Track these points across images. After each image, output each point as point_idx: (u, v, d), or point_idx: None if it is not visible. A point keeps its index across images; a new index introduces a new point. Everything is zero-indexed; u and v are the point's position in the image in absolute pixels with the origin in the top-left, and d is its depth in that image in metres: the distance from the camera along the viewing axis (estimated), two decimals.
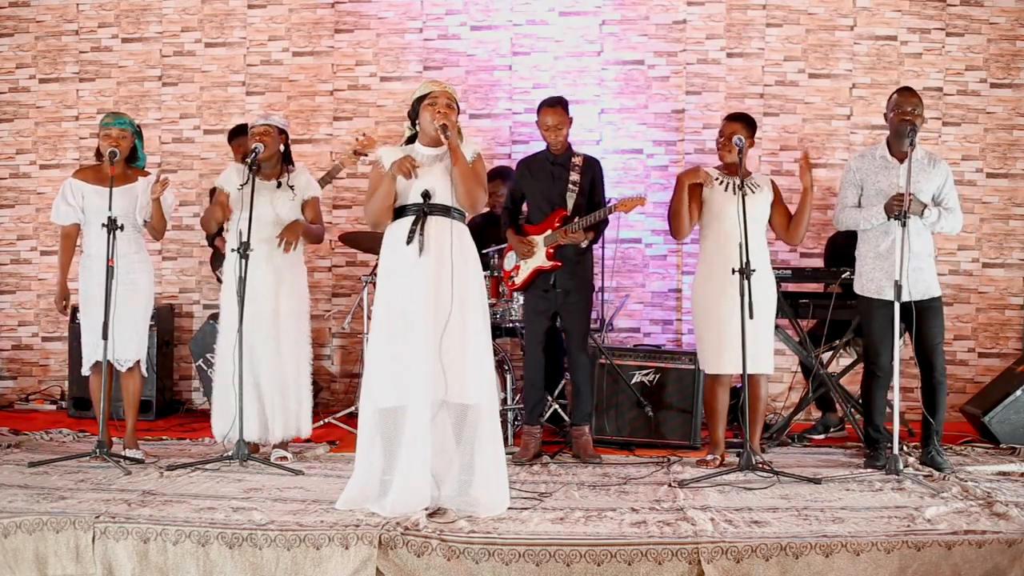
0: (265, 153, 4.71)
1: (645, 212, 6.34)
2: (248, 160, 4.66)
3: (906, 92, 4.73)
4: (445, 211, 3.85)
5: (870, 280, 4.72)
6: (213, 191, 5.12)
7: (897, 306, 4.43)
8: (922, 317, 4.63)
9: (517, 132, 6.67)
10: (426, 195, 3.82)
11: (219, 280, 5.97)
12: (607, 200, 5.03)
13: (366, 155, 5.80)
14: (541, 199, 4.96)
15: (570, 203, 4.90)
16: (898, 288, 4.41)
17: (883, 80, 6.49)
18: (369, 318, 5.94)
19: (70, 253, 4.91)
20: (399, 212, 3.89)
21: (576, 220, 4.84)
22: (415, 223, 3.79)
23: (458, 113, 3.95)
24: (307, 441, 5.28)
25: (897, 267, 4.42)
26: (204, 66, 6.92)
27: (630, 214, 5.18)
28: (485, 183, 3.97)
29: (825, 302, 5.29)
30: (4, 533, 3.43)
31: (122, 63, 6.97)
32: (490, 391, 3.81)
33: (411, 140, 4.04)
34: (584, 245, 4.92)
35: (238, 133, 5.72)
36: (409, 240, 3.77)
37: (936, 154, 4.95)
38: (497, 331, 5.29)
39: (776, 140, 6.58)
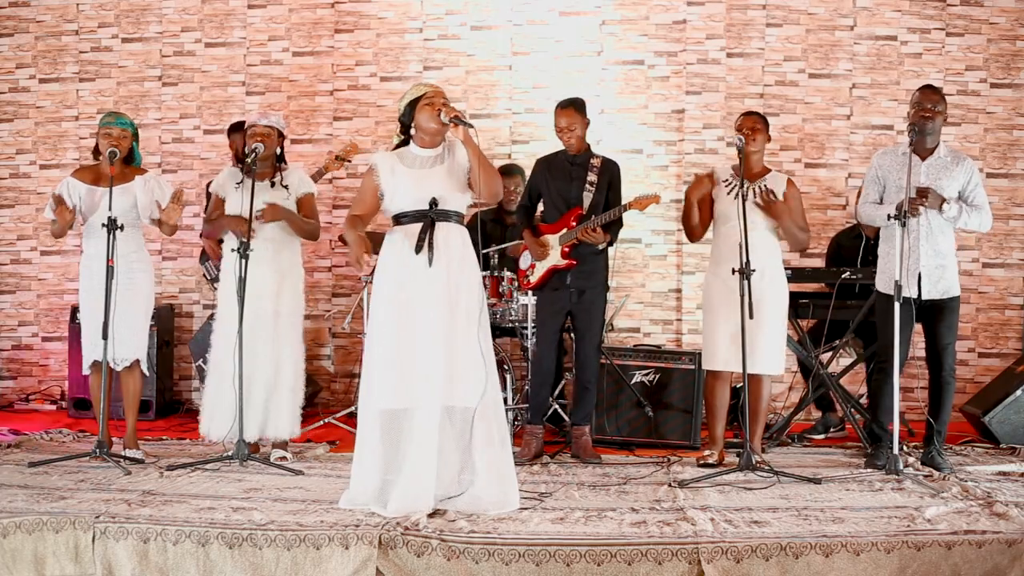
0: (264, 153, 4.72)
1: (645, 212, 6.32)
2: (248, 159, 4.66)
3: (927, 90, 4.72)
4: (448, 216, 3.84)
5: (892, 277, 4.67)
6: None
7: (897, 306, 4.42)
8: (938, 315, 4.64)
9: (517, 132, 6.67)
10: (434, 203, 3.80)
11: (205, 277, 5.98)
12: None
13: (349, 160, 5.81)
14: (558, 198, 4.95)
15: (587, 202, 4.89)
16: (898, 288, 4.40)
17: (883, 80, 6.50)
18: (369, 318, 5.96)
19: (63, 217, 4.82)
20: (399, 218, 3.86)
21: (593, 218, 4.83)
22: (423, 231, 3.77)
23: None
24: (307, 441, 5.29)
25: (897, 267, 4.42)
26: (204, 66, 6.92)
27: (630, 213, 5.17)
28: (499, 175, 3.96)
29: (825, 302, 5.29)
30: (3, 533, 3.42)
31: (122, 63, 6.97)
32: (494, 393, 3.80)
33: (401, 144, 3.99)
34: (602, 248, 4.90)
35: (238, 128, 5.74)
36: (418, 249, 3.75)
37: (962, 152, 4.93)
38: (497, 331, 5.29)
39: (776, 140, 6.56)
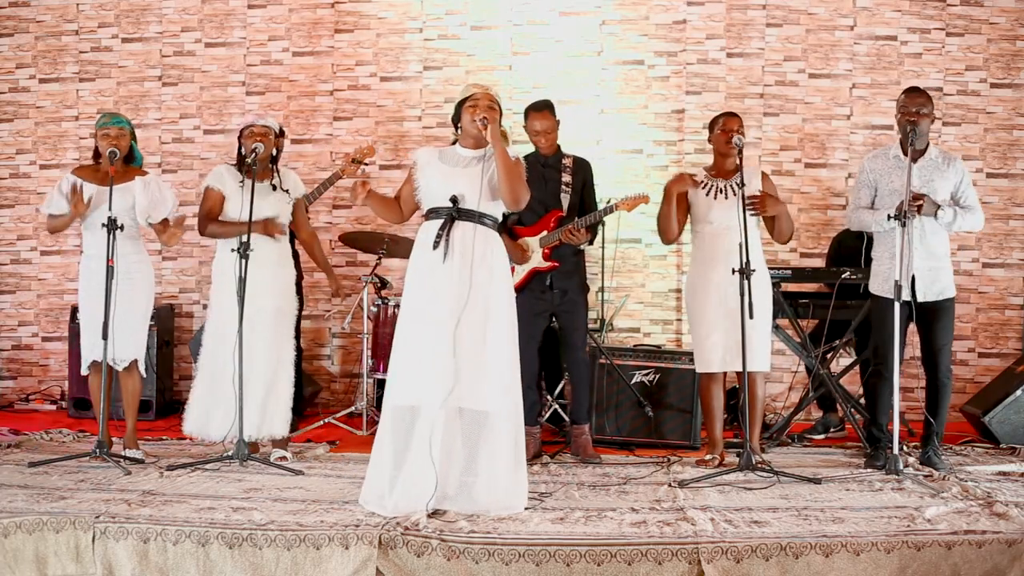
0: (263, 153, 4.71)
1: (646, 212, 6.34)
2: (248, 160, 4.66)
3: (912, 92, 4.71)
4: (474, 216, 3.84)
5: (887, 280, 4.66)
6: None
7: (897, 307, 4.42)
8: (933, 317, 4.63)
9: (517, 132, 6.65)
10: (455, 200, 3.82)
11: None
12: (605, 200, 5.05)
13: (365, 164, 5.79)
14: (534, 201, 4.92)
15: (565, 203, 4.90)
16: (898, 288, 4.40)
17: (883, 80, 6.50)
18: (369, 318, 5.96)
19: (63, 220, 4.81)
20: (430, 213, 3.91)
21: (576, 220, 4.83)
22: (442, 227, 3.80)
23: (501, 115, 3.93)
24: (307, 441, 5.29)
25: (897, 268, 4.41)
26: (204, 66, 6.92)
27: (631, 213, 5.18)
28: (526, 183, 3.96)
29: (825, 302, 5.29)
30: (4, 533, 3.43)
31: (122, 63, 6.97)
32: (508, 398, 3.78)
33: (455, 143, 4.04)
34: (584, 247, 4.91)
35: None
36: (435, 245, 3.78)
37: (952, 153, 4.94)
38: None
39: (776, 140, 6.58)
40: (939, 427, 4.68)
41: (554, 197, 4.91)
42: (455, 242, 3.78)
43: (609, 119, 6.65)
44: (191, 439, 4.91)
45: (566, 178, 4.91)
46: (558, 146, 5.00)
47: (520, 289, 4.98)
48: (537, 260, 4.91)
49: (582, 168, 4.98)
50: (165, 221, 4.83)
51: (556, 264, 4.88)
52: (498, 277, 3.85)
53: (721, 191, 4.75)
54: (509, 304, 3.87)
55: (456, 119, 3.97)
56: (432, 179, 3.88)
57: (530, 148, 5.05)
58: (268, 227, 4.68)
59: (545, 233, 4.90)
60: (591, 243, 5.01)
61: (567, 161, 4.95)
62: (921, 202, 4.50)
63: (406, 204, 4.03)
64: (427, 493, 3.64)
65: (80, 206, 4.64)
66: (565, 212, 4.90)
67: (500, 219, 3.96)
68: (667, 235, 4.88)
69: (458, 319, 3.72)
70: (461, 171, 3.88)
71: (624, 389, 5.34)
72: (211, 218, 4.77)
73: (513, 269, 4.97)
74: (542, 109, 4.92)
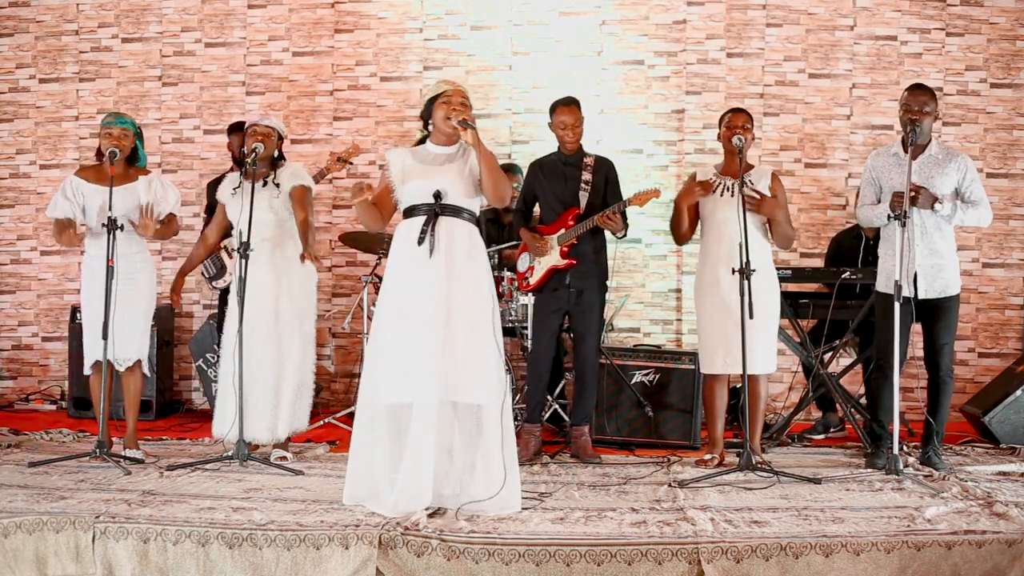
0: (263, 154, 4.72)
1: (645, 212, 6.35)
2: (248, 160, 4.67)
3: (915, 89, 4.71)
4: (456, 212, 3.85)
5: (890, 277, 4.63)
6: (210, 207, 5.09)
7: (897, 306, 4.42)
8: (935, 315, 4.63)
9: (517, 132, 6.67)
10: (437, 195, 3.82)
11: (204, 275, 5.97)
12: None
13: (350, 162, 5.81)
14: (554, 199, 4.96)
15: (583, 202, 4.89)
16: (898, 288, 4.40)
17: (883, 80, 6.50)
18: (369, 318, 5.95)
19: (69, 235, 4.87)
20: (409, 211, 3.89)
21: (606, 210, 4.80)
22: (426, 223, 3.79)
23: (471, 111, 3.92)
24: (307, 441, 5.29)
25: (897, 267, 4.41)
26: (204, 66, 6.92)
27: (629, 212, 5.18)
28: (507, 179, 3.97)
29: (825, 302, 5.29)
30: (4, 533, 3.43)
31: (122, 63, 6.97)
32: (499, 392, 3.79)
33: (422, 142, 4.03)
34: (620, 236, 4.91)
35: (238, 128, 5.75)
36: (420, 241, 3.77)
37: (955, 149, 4.92)
38: None
39: (776, 140, 6.58)
40: (939, 426, 4.67)
41: (573, 196, 4.90)
42: (440, 238, 3.78)
43: (609, 119, 6.65)
44: (223, 441, 4.87)
45: (586, 176, 4.91)
46: (580, 145, 4.99)
47: (539, 288, 4.98)
48: (555, 258, 4.91)
49: (603, 167, 4.97)
50: (169, 216, 4.85)
51: (573, 262, 4.87)
52: (482, 270, 3.86)
53: (728, 190, 4.72)
54: (493, 298, 3.88)
55: (426, 116, 3.96)
56: (408, 178, 3.86)
57: (551, 146, 5.06)
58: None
59: (563, 231, 4.90)
60: (624, 235, 4.99)
61: (588, 160, 4.95)
62: (915, 194, 4.49)
63: (384, 208, 3.99)
64: (426, 490, 3.65)
65: (73, 240, 4.77)
66: (583, 210, 4.88)
67: (475, 212, 3.95)
68: (679, 239, 4.94)
69: (447, 314, 3.72)
70: (439, 168, 3.88)
71: (624, 389, 5.34)
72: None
73: (532, 268, 4.99)
74: (570, 104, 4.93)
